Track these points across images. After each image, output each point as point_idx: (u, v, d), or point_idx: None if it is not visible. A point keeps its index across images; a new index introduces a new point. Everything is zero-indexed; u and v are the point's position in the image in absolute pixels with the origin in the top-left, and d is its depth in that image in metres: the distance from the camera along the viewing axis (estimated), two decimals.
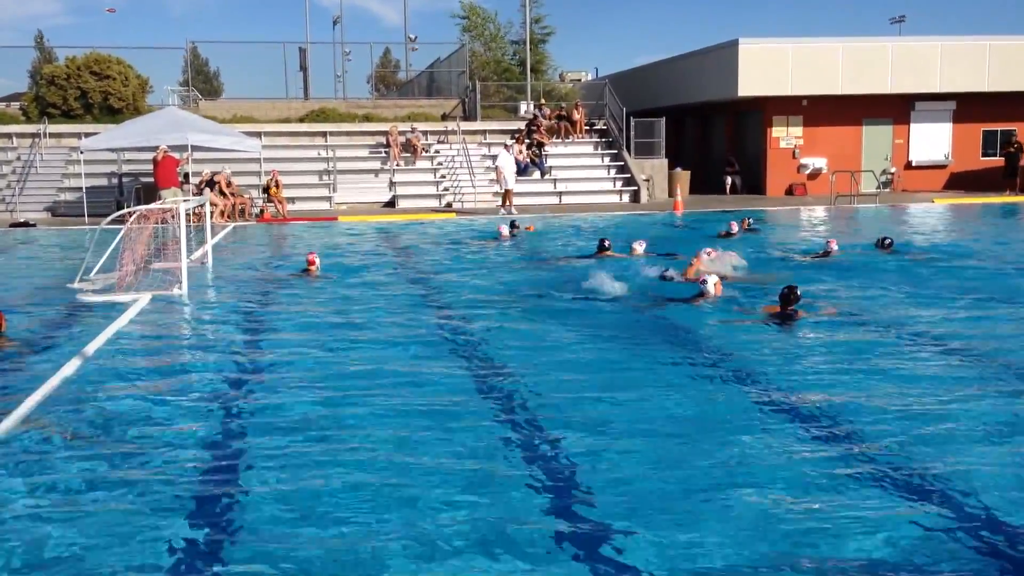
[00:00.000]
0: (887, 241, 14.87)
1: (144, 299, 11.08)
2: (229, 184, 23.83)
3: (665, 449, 5.78)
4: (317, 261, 13.58)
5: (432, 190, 27.12)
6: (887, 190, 29.61)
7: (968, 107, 30.52)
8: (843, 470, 5.36)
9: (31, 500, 5.07)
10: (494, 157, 27.28)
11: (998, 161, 29.93)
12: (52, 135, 27.50)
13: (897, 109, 30.46)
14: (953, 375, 7.49)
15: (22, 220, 23.24)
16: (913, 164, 31.00)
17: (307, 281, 13.08)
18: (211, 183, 23.03)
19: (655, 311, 10.39)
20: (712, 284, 10.53)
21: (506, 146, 25.28)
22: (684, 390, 7.12)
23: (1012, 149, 28.87)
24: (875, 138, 30.75)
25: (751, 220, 18.12)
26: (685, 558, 4.35)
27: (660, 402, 6.82)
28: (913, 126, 30.94)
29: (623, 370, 7.81)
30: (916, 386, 7.07)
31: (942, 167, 31.19)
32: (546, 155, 28.30)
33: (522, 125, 29.31)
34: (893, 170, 30.68)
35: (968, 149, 31.12)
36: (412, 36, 41.14)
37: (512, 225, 18.54)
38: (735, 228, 17.37)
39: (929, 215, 23.71)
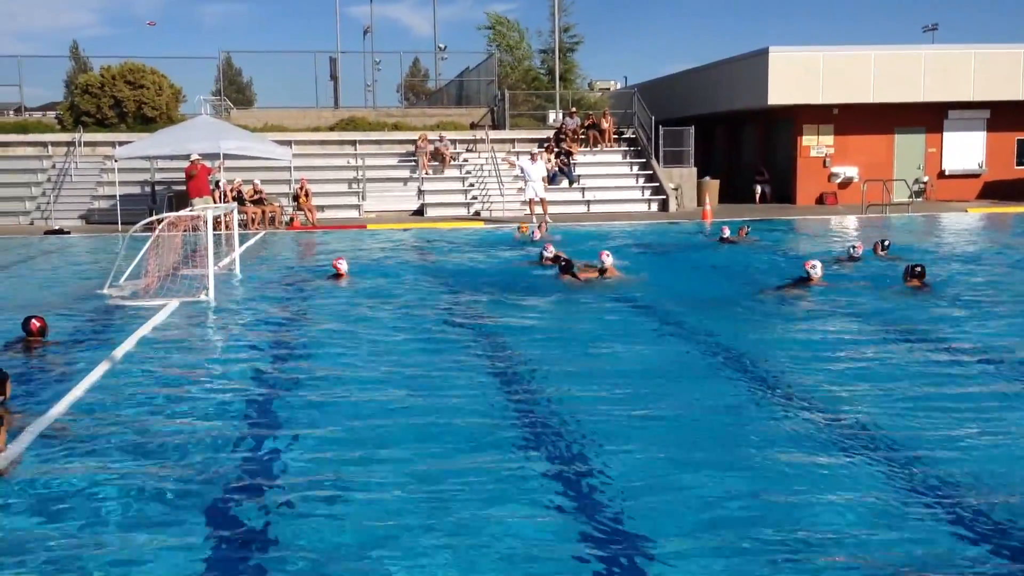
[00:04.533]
0: (885, 243, 15.17)
1: (171, 305, 11.21)
2: (258, 193, 24.04)
3: None
4: (344, 266, 13.68)
5: (460, 199, 27.19)
6: (919, 199, 29.27)
7: (1002, 115, 30.15)
8: None
9: (61, 503, 5.13)
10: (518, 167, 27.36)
11: None
12: (87, 144, 27.88)
13: (930, 117, 30.14)
14: None
15: (56, 228, 23.59)
16: (946, 173, 30.64)
17: (335, 286, 13.19)
18: (238, 197, 23.19)
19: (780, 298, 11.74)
20: (819, 270, 12.09)
21: (532, 155, 25.29)
22: None
23: None
24: (907, 147, 30.44)
25: (748, 228, 18.46)
26: None
27: None
28: (946, 135, 30.60)
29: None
30: None
31: (976, 176, 30.81)
32: (575, 164, 28.28)
33: (551, 134, 29.33)
34: (926, 179, 30.33)
35: (1002, 158, 30.71)
36: (441, 46, 41.52)
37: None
38: (727, 232, 18.00)
39: (962, 224, 23.43)
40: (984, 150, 30.75)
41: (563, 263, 13.00)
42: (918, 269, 11.78)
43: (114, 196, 24.61)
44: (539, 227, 20.00)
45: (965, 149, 30.65)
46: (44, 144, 28.12)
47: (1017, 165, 30.68)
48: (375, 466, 5.66)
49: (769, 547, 4.48)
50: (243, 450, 6.05)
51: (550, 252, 14.62)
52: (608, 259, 13.23)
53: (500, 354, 8.85)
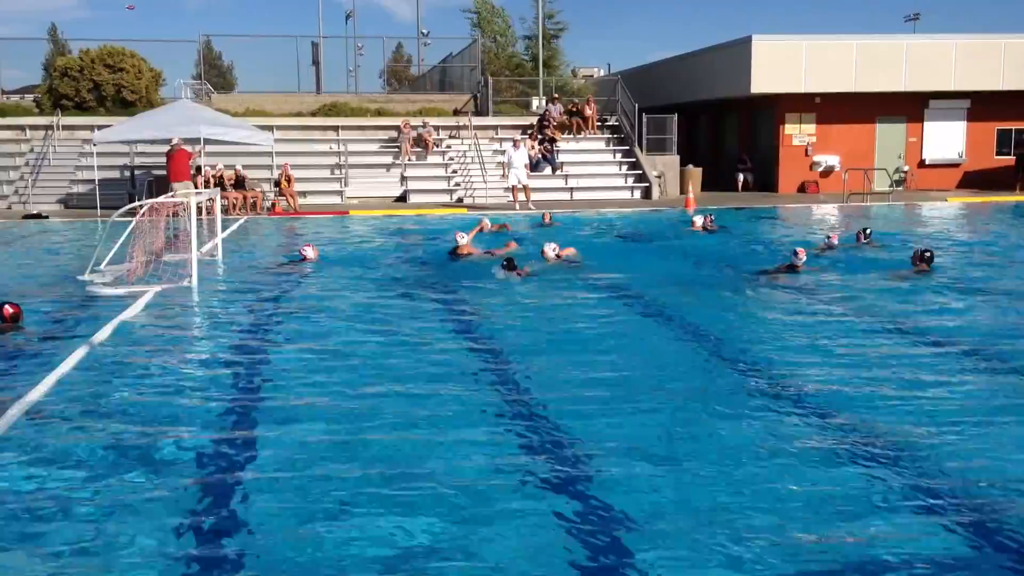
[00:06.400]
0: (867, 231, 15.49)
1: (153, 291, 11.12)
2: (240, 179, 23.90)
3: None
4: (311, 253, 13.88)
5: (443, 185, 27.12)
6: (900, 188, 29.45)
7: (982, 106, 30.33)
8: None
9: (35, 490, 5.10)
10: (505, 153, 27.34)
11: (1012, 160, 29.80)
12: (65, 127, 27.59)
13: (911, 107, 30.29)
14: None
15: (35, 212, 23.35)
16: (927, 162, 30.83)
17: (314, 271, 13.18)
18: (220, 183, 23.06)
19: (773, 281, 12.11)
20: (804, 256, 12.44)
21: (515, 142, 25.28)
22: None
23: None
24: (889, 136, 30.59)
25: (712, 217, 18.82)
26: None
27: None
28: (927, 124, 30.77)
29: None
30: None
31: (956, 166, 31.01)
32: (558, 151, 28.26)
33: (534, 121, 29.28)
34: (906, 168, 30.51)
35: (982, 148, 30.93)
36: (425, 31, 41.29)
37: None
38: (698, 223, 18.38)
39: (941, 213, 23.58)
40: (964, 140, 30.95)
41: (504, 261, 12.48)
42: (927, 254, 12.23)
43: (93, 180, 24.37)
44: (544, 218, 19.97)
45: (945, 139, 30.83)
46: (22, 128, 27.77)
47: (996, 155, 30.91)
48: (356, 446, 5.68)
49: (754, 536, 4.52)
50: (222, 434, 6.04)
51: (462, 239, 13.86)
52: (551, 251, 13.33)
53: (472, 336, 8.91)
